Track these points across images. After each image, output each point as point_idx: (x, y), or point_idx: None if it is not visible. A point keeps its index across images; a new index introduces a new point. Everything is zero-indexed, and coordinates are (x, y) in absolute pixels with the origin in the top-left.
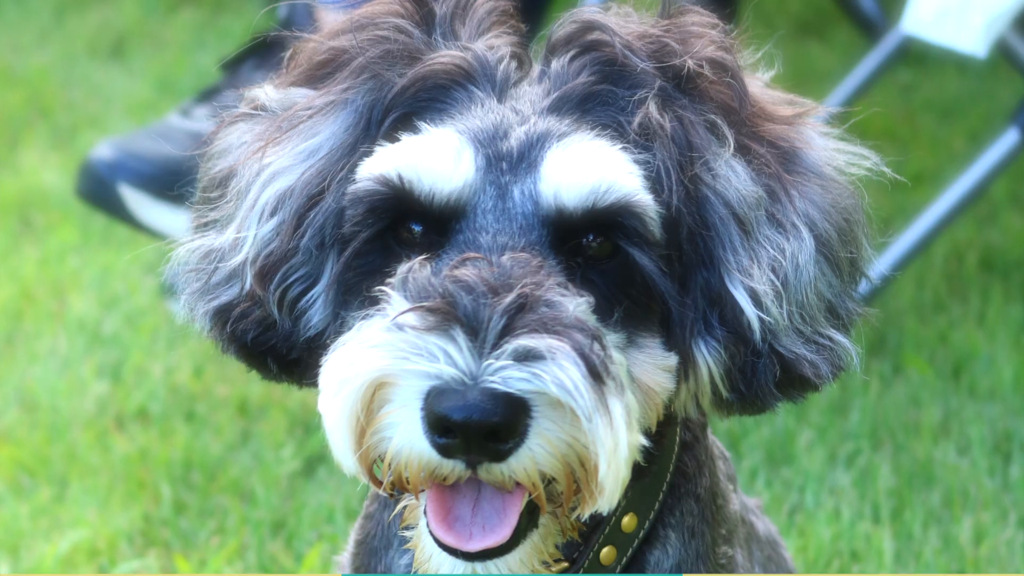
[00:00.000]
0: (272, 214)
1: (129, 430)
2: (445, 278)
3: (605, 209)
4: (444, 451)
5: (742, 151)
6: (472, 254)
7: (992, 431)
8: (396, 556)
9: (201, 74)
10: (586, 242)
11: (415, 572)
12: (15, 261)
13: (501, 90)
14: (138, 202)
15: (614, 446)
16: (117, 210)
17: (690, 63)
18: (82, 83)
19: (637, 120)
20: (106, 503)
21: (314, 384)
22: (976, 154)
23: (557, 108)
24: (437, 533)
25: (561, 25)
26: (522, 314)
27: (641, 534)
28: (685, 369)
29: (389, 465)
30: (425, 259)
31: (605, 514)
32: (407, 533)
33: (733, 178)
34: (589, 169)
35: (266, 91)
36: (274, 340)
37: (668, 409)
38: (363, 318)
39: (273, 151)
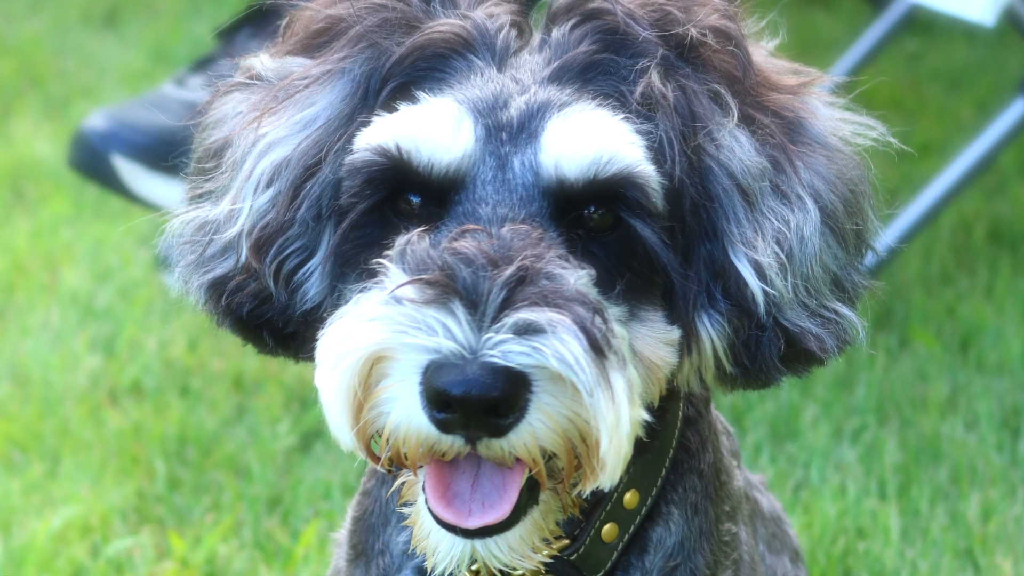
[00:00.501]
0: (268, 185)
1: (123, 405)
2: (444, 250)
3: (607, 180)
4: (443, 426)
5: (746, 121)
6: (471, 226)
7: (1000, 406)
8: (394, 533)
9: (196, 43)
10: (587, 214)
11: (413, 549)
12: (7, 233)
13: (501, 59)
14: (132, 173)
15: (616, 421)
16: (110, 181)
17: (693, 32)
18: (75, 52)
19: (639, 90)
20: (99, 479)
21: (311, 358)
22: (984, 124)
23: (558, 77)
24: (436, 510)
25: None
26: (522, 287)
27: (643, 511)
28: (688, 343)
29: (387, 440)
30: (424, 231)
31: (607, 490)
32: (405, 510)
33: (737, 148)
34: (590, 139)
35: (262, 60)
36: (270, 313)
37: (671, 384)
38: (360, 291)
39: (269, 121)
